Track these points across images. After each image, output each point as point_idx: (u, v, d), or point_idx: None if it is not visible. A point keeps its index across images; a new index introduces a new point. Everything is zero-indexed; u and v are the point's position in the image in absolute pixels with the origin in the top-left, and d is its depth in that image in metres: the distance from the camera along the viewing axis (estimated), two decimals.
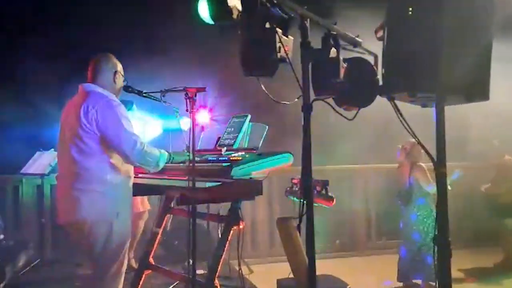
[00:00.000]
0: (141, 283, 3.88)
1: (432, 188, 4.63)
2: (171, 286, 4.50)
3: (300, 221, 2.06)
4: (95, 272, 3.08)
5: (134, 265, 5.09)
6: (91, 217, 2.95)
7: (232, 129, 3.84)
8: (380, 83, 2.35)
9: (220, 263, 3.25)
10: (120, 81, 3.23)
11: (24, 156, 5.98)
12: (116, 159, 3.03)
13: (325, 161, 6.10)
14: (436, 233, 2.04)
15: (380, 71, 2.36)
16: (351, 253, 6.42)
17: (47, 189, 6.08)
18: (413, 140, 4.79)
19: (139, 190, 3.42)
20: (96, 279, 3.07)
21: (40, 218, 6.03)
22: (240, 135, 3.74)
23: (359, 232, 6.71)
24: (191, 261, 4.67)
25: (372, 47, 2.43)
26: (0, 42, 6.66)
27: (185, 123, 4.65)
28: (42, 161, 5.68)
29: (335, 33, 2.20)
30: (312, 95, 2.10)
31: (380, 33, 2.32)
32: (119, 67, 3.22)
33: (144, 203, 5.36)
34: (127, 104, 5.03)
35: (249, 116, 3.78)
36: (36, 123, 6.32)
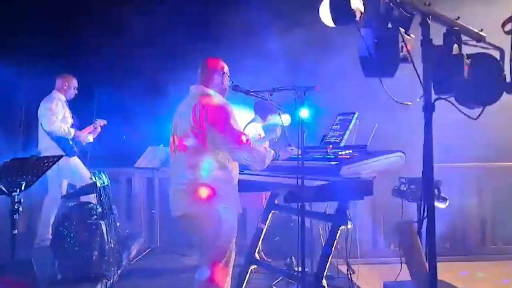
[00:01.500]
0: (247, 277, 3.98)
1: None
2: (275, 282, 4.54)
3: (421, 226, 1.98)
4: (205, 265, 3.20)
5: (258, 257, 5.21)
6: (201, 211, 3.09)
7: (338, 126, 3.80)
8: (508, 79, 2.21)
9: (328, 262, 3.24)
10: (226, 82, 3.37)
11: (136, 151, 6.35)
12: (223, 157, 3.13)
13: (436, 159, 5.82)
14: None
15: (507, 67, 2.21)
16: (462, 258, 6.04)
17: (156, 182, 6.43)
18: None
19: (245, 186, 3.49)
20: (205, 272, 3.19)
21: (150, 209, 6.39)
22: (347, 132, 3.69)
23: (471, 236, 6.30)
24: (293, 258, 4.74)
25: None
26: (123, 47, 7.10)
27: (286, 119, 4.67)
28: (153, 156, 6.00)
29: (457, 28, 2.08)
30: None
31: (509, 27, 2.17)
32: (226, 68, 3.36)
33: None
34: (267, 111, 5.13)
35: (357, 114, 3.71)
36: (148, 120, 6.68)
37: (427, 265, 1.93)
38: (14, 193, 3.17)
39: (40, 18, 6.85)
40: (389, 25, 1.76)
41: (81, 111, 6.18)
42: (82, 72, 6.22)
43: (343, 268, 4.80)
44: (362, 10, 1.82)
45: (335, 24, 1.87)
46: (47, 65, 6.33)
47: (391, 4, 1.74)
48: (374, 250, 6.14)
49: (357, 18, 1.80)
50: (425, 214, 1.90)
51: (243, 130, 5.41)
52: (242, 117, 5.52)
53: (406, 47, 1.79)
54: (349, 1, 1.74)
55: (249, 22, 6.45)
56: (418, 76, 1.86)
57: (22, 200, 3.23)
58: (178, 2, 7.11)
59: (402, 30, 1.79)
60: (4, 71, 5.96)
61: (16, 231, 3.21)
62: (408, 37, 1.85)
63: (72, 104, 5.95)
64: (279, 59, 6.35)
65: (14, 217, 3.19)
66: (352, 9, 1.77)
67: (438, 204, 3.73)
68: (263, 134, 5.32)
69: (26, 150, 5.87)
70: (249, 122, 5.54)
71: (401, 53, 1.78)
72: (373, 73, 1.83)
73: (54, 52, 6.79)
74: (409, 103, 2.03)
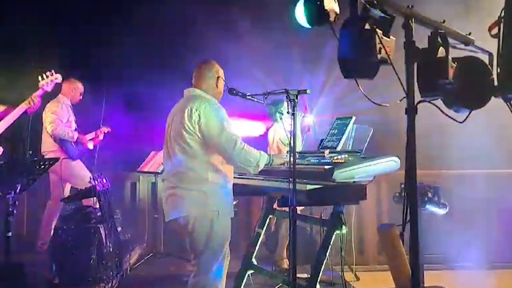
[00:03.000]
0: (243, 283, 3.95)
1: None
2: None
3: (404, 229, 1.95)
4: (198, 269, 3.20)
5: (286, 265, 5.08)
6: (194, 215, 3.09)
7: (336, 131, 3.78)
8: (496, 83, 2.17)
9: (322, 268, 3.21)
10: (221, 86, 3.39)
11: (141, 155, 6.37)
12: (216, 160, 3.15)
13: (443, 165, 5.79)
14: None
15: (495, 70, 2.17)
16: (468, 266, 5.90)
17: (160, 187, 6.43)
18: None
19: (241, 191, 3.49)
20: (198, 276, 3.18)
21: (153, 213, 6.40)
22: (344, 137, 3.66)
23: (477, 244, 6.15)
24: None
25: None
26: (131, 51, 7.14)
27: (288, 125, 4.65)
28: (156, 160, 6.01)
29: (443, 31, 2.05)
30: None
31: (495, 30, 2.13)
32: (221, 72, 3.38)
33: None
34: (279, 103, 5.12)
35: (354, 118, 3.69)
36: (151, 126, 6.70)
37: (409, 269, 1.90)
38: (9, 195, 3.20)
39: (52, 23, 6.93)
40: (367, 26, 1.74)
41: (88, 115, 6.24)
42: (91, 77, 6.29)
43: (347, 275, 4.76)
44: (337, 11, 1.81)
45: (309, 25, 1.86)
46: (57, 68, 6.39)
47: (367, 5, 1.72)
48: (380, 257, 6.06)
49: (332, 18, 1.79)
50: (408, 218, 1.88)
51: (268, 136, 5.44)
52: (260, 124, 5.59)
53: (385, 48, 1.76)
54: (323, 2, 1.74)
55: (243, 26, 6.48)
56: (399, 79, 1.83)
57: (16, 203, 3.26)
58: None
59: (380, 31, 1.77)
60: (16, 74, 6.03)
61: (10, 233, 3.23)
62: (388, 39, 1.83)
63: (80, 108, 6.01)
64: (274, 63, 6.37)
65: (9, 219, 3.21)
66: (326, 10, 1.75)
67: (438, 210, 3.69)
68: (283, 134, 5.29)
69: (32, 152, 5.92)
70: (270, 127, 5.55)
71: (379, 55, 1.76)
72: (352, 75, 1.81)
73: (63, 56, 6.85)
74: (387, 104, 2.00)
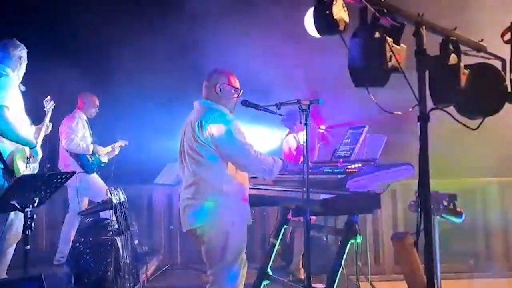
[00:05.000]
0: None
1: None
2: None
3: (418, 237, 1.94)
4: (214, 279, 3.21)
5: (302, 275, 5.04)
6: (209, 225, 3.11)
7: (349, 140, 3.78)
8: (509, 89, 2.17)
9: (338, 278, 3.20)
10: (232, 95, 3.33)
11: (158, 167, 6.41)
12: (231, 170, 3.16)
13: (457, 173, 5.74)
14: None
15: (508, 76, 2.17)
16: (487, 274, 5.82)
17: (175, 198, 6.46)
18: None
19: (256, 201, 3.49)
20: (214, 286, 3.19)
21: (169, 225, 6.42)
22: (357, 146, 3.66)
23: (496, 252, 6.09)
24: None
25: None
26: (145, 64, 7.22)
27: (301, 135, 4.66)
28: (172, 172, 6.04)
29: (454, 38, 2.06)
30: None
31: (508, 36, 2.13)
32: (223, 79, 3.30)
33: None
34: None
35: (366, 127, 3.69)
36: (167, 137, 6.75)
37: (424, 278, 1.88)
38: (27, 209, 3.24)
39: (65, 39, 7.05)
40: (377, 35, 1.75)
41: (104, 128, 6.31)
42: (107, 90, 6.37)
43: (362, 285, 4.71)
44: (347, 20, 1.82)
45: (319, 34, 1.87)
46: (73, 82, 6.48)
47: (377, 13, 1.73)
48: (397, 266, 5.98)
49: (341, 28, 1.80)
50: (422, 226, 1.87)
51: (283, 146, 5.46)
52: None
53: (395, 56, 1.77)
54: (331, 11, 1.75)
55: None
56: (410, 86, 1.84)
57: (35, 216, 3.29)
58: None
59: (390, 39, 1.78)
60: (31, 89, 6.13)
61: (28, 247, 3.26)
62: (398, 46, 1.84)
63: (96, 122, 6.08)
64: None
65: (27, 233, 3.25)
66: (335, 19, 1.76)
67: (454, 219, 3.64)
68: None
69: (49, 166, 6.00)
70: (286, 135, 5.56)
71: (390, 63, 1.76)
72: (363, 83, 1.82)
73: (80, 70, 6.96)
74: (399, 112, 2.00)
